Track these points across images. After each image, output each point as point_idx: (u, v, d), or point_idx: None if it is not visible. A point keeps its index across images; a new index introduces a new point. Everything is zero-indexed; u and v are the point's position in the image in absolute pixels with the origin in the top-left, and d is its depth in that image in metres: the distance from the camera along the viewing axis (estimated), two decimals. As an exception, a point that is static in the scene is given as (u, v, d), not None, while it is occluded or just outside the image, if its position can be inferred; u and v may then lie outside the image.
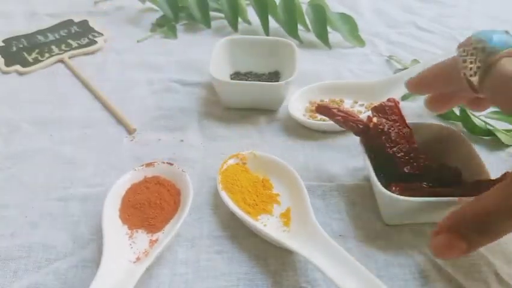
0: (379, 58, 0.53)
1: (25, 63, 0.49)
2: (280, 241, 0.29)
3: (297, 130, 0.41)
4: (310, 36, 0.55)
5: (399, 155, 0.31)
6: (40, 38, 0.54)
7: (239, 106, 0.43)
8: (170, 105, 0.44)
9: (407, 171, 0.31)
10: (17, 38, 0.53)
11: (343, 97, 0.44)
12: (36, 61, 0.50)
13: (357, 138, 0.34)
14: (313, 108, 0.43)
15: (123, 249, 0.29)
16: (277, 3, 0.55)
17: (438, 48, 0.54)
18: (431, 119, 0.41)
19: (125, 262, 0.28)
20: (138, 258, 0.29)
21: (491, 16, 0.62)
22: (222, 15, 0.57)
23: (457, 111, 0.42)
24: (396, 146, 0.31)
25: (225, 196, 0.32)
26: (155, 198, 0.32)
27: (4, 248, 0.31)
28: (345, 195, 0.35)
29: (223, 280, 0.29)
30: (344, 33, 0.54)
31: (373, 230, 0.32)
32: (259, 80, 0.45)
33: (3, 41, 0.53)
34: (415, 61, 0.49)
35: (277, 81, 0.45)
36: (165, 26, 0.56)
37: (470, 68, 0.27)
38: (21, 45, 0.52)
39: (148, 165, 0.34)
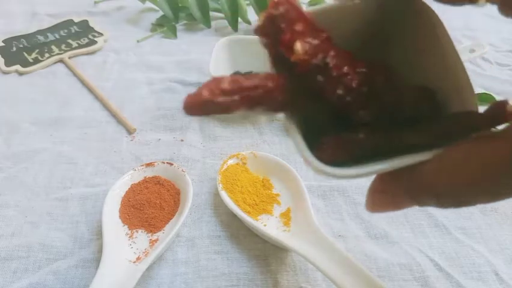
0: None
1: (25, 63, 0.49)
2: (281, 241, 0.29)
3: (297, 130, 0.41)
4: (311, 36, 0.55)
5: (347, 98, 0.17)
6: (40, 38, 0.54)
7: (239, 106, 0.43)
8: (171, 105, 0.44)
9: (364, 120, 0.17)
10: (17, 38, 0.53)
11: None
12: (36, 61, 0.50)
13: None
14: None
15: (123, 249, 0.29)
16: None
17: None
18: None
19: (125, 262, 0.28)
20: (138, 258, 0.29)
21: (492, 16, 0.62)
22: (222, 15, 0.57)
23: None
24: (341, 81, 0.17)
25: (225, 196, 0.32)
26: (155, 198, 0.32)
27: (4, 248, 0.31)
28: (345, 195, 0.35)
29: (223, 280, 0.29)
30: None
31: (373, 230, 0.32)
32: (259, 80, 0.45)
33: (4, 41, 0.53)
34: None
35: (277, 81, 0.45)
36: (165, 26, 0.56)
37: None
38: (21, 45, 0.52)
39: (148, 165, 0.34)
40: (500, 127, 0.15)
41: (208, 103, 0.15)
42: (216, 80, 0.15)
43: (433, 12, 0.18)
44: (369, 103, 0.17)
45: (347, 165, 0.16)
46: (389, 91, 0.17)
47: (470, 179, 0.15)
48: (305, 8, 0.17)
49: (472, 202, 0.15)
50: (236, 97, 0.16)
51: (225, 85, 0.15)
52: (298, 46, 0.16)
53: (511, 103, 0.15)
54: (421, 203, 0.16)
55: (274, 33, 0.16)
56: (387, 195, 0.17)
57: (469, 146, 0.15)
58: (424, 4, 0.18)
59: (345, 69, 0.17)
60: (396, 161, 0.16)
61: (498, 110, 0.15)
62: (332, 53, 0.17)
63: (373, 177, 0.18)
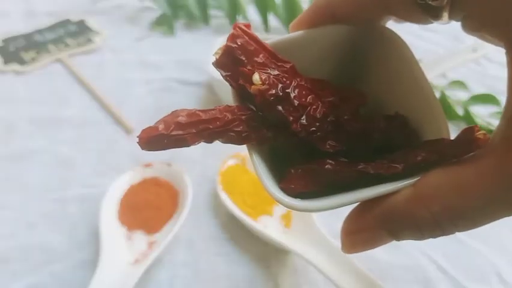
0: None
1: (23, 63, 0.49)
2: (281, 242, 0.29)
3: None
4: (311, 35, 0.55)
5: (312, 128, 0.17)
6: (38, 37, 0.53)
7: (239, 105, 0.43)
8: (169, 104, 0.44)
9: (332, 150, 0.17)
10: (15, 38, 0.53)
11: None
12: (34, 61, 0.49)
13: None
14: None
15: (121, 250, 0.29)
16: (278, 1, 0.54)
17: (441, 48, 0.54)
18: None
19: (123, 264, 0.28)
20: (137, 260, 0.28)
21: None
22: (222, 13, 0.56)
23: (459, 110, 0.41)
24: (304, 111, 0.16)
25: (224, 197, 0.32)
26: (154, 199, 0.32)
27: (2, 249, 0.30)
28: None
29: (223, 282, 0.29)
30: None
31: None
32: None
33: (2, 41, 0.53)
34: (418, 61, 0.48)
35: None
36: (164, 24, 0.56)
37: None
38: (19, 45, 0.52)
39: (147, 165, 0.34)
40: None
41: (164, 137, 0.15)
42: (174, 114, 0.15)
43: (403, 41, 0.17)
44: (336, 133, 0.17)
45: (316, 197, 0.15)
46: (358, 120, 0.17)
47: (446, 205, 0.14)
48: (267, 40, 0.17)
49: (451, 229, 0.15)
50: (193, 130, 0.16)
51: (182, 118, 0.15)
52: (256, 76, 0.16)
53: (479, 129, 0.15)
54: (399, 236, 0.16)
55: (234, 66, 0.16)
56: (363, 234, 0.17)
57: (443, 172, 0.15)
58: (393, 33, 0.17)
59: (310, 98, 0.17)
60: (368, 191, 0.15)
61: (467, 137, 0.15)
62: (294, 83, 0.16)
63: (343, 217, 0.17)
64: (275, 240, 0.29)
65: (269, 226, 0.31)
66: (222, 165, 0.34)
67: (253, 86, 0.16)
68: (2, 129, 0.41)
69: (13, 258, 0.30)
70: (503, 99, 0.44)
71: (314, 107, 0.17)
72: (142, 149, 0.15)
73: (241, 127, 0.16)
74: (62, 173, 0.36)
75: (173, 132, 0.15)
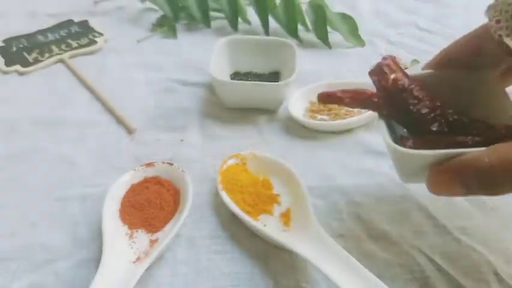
0: (379, 58, 0.52)
1: (25, 63, 0.49)
2: (281, 241, 0.29)
3: (297, 130, 0.41)
4: (311, 36, 0.55)
5: (424, 111, 0.27)
6: (40, 38, 0.54)
7: (239, 106, 0.43)
8: (170, 105, 0.44)
9: (435, 129, 0.27)
10: (17, 38, 0.53)
11: (343, 97, 0.44)
12: (36, 61, 0.50)
13: (358, 137, 0.34)
14: (314, 108, 0.43)
15: (123, 249, 0.29)
16: (278, 3, 0.55)
17: (438, 48, 0.54)
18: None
19: (125, 262, 0.28)
20: (138, 258, 0.29)
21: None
22: (222, 15, 0.57)
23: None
24: (420, 103, 0.27)
25: (224, 196, 0.32)
26: (155, 198, 0.32)
27: (3, 248, 0.31)
28: (345, 195, 0.35)
29: (223, 280, 0.29)
30: (344, 33, 0.54)
31: (373, 230, 0.32)
32: (259, 80, 0.45)
33: (4, 41, 0.53)
34: (415, 61, 0.49)
35: (277, 81, 0.45)
36: (165, 25, 0.56)
37: (507, 27, 0.24)
38: (21, 45, 0.52)
39: (148, 165, 0.34)
40: None
41: (333, 96, 0.29)
42: (343, 88, 0.30)
43: (494, 82, 0.29)
44: (439, 120, 0.27)
45: None
46: (464, 121, 0.27)
47: (502, 158, 0.22)
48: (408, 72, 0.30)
49: (496, 190, 0.22)
50: (349, 94, 0.29)
51: (346, 88, 0.30)
52: (393, 75, 0.29)
53: None
54: (466, 182, 0.23)
55: (381, 74, 0.29)
56: (444, 175, 0.24)
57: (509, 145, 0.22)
58: (491, 78, 0.29)
59: (424, 95, 0.28)
60: (455, 150, 0.24)
61: None
62: (417, 87, 0.28)
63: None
64: (275, 238, 0.30)
65: (269, 225, 0.31)
66: (222, 165, 0.35)
67: (389, 80, 0.29)
68: (5, 129, 0.41)
69: (15, 258, 0.30)
70: None
71: (427, 100, 0.28)
72: (319, 100, 0.30)
73: (377, 100, 0.28)
74: (63, 172, 0.37)
75: (338, 94, 0.29)
